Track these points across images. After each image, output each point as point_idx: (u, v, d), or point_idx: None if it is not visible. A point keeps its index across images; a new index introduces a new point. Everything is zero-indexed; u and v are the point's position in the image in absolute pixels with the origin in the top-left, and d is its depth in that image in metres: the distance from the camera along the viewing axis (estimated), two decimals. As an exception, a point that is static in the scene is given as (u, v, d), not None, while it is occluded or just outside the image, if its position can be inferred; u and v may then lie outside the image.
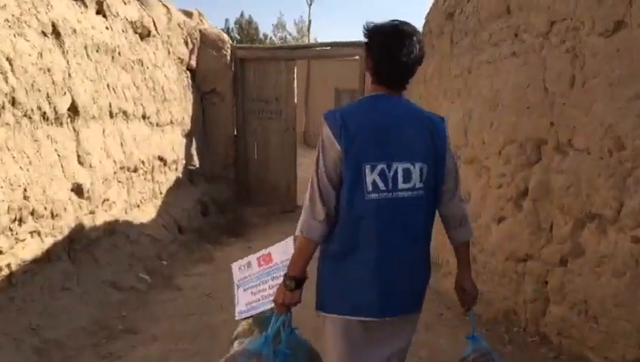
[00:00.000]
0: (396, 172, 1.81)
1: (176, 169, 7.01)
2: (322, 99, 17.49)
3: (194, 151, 7.85)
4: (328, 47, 8.43)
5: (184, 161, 7.36)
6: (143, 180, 5.72)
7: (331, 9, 60.00)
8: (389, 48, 1.84)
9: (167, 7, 7.16)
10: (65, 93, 3.82)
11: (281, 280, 1.95)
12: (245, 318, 2.36)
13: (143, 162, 5.62)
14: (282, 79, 8.61)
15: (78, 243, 4.02)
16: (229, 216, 7.80)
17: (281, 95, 8.66)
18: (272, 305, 2.00)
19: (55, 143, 3.66)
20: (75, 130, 4.00)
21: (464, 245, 2.08)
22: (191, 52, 7.95)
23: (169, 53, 7.08)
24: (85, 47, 4.31)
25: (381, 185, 1.80)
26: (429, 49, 5.15)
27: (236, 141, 8.69)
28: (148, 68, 6.04)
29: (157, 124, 6.30)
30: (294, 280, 1.88)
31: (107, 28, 4.88)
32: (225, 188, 8.38)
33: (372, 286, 1.84)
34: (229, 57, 8.38)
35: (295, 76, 8.65)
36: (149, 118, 5.99)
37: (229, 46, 8.43)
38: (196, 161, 7.89)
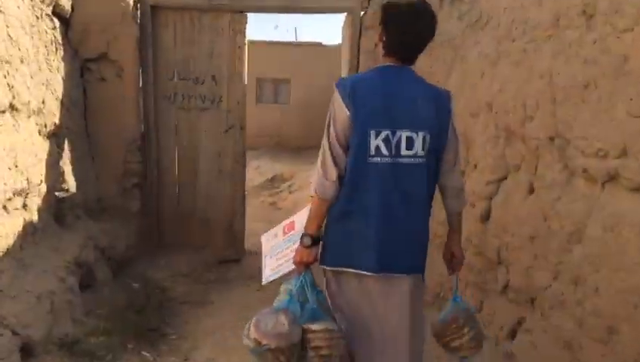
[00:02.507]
0: (400, 139, 1.93)
1: (25, 205, 3.38)
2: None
3: (65, 166, 4.19)
4: (303, -5, 5.13)
5: (45, 186, 3.73)
6: None
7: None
8: (402, 22, 1.97)
9: None
10: None
11: None
12: (270, 282, 2.32)
13: None
14: (224, 44, 5.16)
15: None
16: (131, 286, 4.24)
17: (222, 71, 5.21)
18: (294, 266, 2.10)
19: None
20: None
21: (458, 214, 2.26)
22: (61, -17, 4.31)
23: (11, -29, 3.44)
24: None
25: (384, 150, 1.93)
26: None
27: (144, 146, 5.10)
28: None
29: (-30, 112, 2.69)
30: (310, 237, 2.02)
31: None
32: (123, 228, 4.77)
33: (370, 244, 1.95)
34: (131, 2, 4.81)
35: (246, 41, 5.23)
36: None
37: (131, -18, 4.85)
38: (70, 183, 4.24)
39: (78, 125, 4.53)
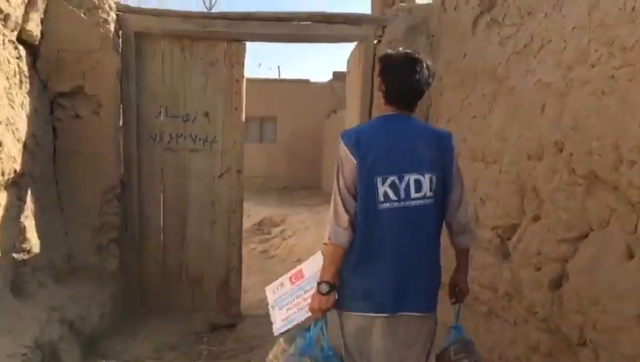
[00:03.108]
0: (408, 183, 2.03)
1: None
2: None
3: (27, 221, 3.41)
4: (308, 22, 4.52)
5: (-2, 249, 2.96)
6: None
7: None
8: (398, 73, 2.12)
9: None
10: None
11: (313, 291, 2.13)
12: (282, 334, 2.35)
13: None
14: (219, 76, 4.51)
15: None
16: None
17: (217, 107, 4.55)
18: (308, 314, 2.17)
19: None
20: None
21: (466, 251, 2.33)
22: (28, 5, 3.63)
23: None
24: None
25: (392, 195, 2.02)
26: None
27: (124, 194, 4.35)
28: None
29: None
30: (328, 284, 2.07)
31: None
32: (97, 293, 3.97)
33: (386, 287, 2.03)
34: (112, 28, 4.15)
35: (245, 73, 4.59)
36: None
37: (112, 6, 4.20)
38: (33, 242, 3.45)
39: (45, 171, 3.77)
